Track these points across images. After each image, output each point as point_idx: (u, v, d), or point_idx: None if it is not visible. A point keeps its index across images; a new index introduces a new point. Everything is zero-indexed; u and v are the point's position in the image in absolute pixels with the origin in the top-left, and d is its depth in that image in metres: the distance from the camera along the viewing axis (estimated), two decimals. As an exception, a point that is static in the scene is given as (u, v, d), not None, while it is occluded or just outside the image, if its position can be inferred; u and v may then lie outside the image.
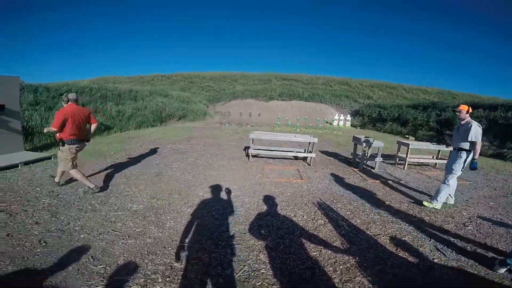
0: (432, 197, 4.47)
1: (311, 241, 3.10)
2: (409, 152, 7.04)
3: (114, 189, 4.45)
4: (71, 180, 4.65)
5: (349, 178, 5.92)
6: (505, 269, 2.67)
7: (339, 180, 5.72)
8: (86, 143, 4.42)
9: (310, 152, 7.00)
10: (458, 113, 4.31)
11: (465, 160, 4.14)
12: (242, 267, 2.57)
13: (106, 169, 5.55)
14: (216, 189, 4.72)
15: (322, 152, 8.90)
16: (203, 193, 4.48)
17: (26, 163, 5.50)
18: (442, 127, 14.50)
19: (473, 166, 4.08)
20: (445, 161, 5.56)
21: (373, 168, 6.82)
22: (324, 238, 3.19)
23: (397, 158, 7.55)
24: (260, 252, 2.84)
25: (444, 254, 3.00)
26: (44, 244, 2.77)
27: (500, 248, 3.19)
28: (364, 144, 6.58)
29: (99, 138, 9.44)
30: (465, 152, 4.11)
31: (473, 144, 4.02)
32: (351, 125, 20.59)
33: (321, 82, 29.34)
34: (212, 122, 17.55)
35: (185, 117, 17.20)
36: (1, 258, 2.48)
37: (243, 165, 6.47)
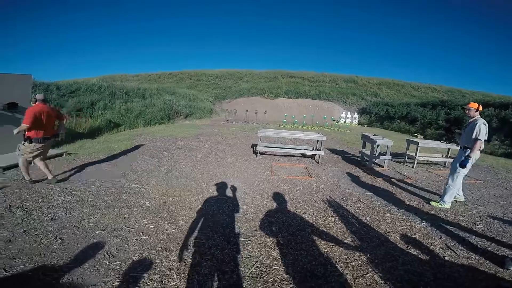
0: (440, 198, 4.44)
1: (322, 238, 3.12)
2: (418, 151, 6.99)
3: (126, 185, 4.52)
4: (77, 176, 4.73)
5: (358, 176, 5.91)
6: None
7: (348, 178, 5.72)
8: (57, 138, 4.63)
9: (319, 149, 6.99)
10: (467, 111, 4.23)
11: (472, 159, 4.07)
12: (254, 263, 2.60)
13: (116, 166, 5.63)
14: (225, 186, 4.76)
15: (330, 150, 8.89)
16: (213, 190, 4.53)
17: (39, 160, 5.60)
18: (451, 126, 14.33)
19: (463, 163, 3.96)
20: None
21: (382, 166, 6.80)
22: (335, 235, 3.21)
23: (406, 157, 7.50)
24: (272, 248, 2.87)
25: (455, 252, 3.00)
26: (60, 240, 2.81)
27: (513, 247, 3.17)
28: (373, 142, 6.55)
29: (109, 135, 9.57)
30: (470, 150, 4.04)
31: (474, 141, 3.93)
32: (358, 123, 20.48)
33: (328, 80, 29.17)
34: (219, 120, 17.63)
35: (192, 115, 17.31)
36: (19, 255, 2.51)
37: (251, 162, 6.51)
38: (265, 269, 2.52)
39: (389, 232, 3.38)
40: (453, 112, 15.22)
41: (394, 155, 8.08)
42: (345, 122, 19.97)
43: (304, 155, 7.62)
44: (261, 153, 7.16)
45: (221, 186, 4.72)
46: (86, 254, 2.60)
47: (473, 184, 5.77)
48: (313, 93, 24.73)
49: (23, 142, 4.16)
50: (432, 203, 4.42)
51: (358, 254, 2.83)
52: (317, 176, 5.66)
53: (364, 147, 7.33)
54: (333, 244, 3.01)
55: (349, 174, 6.02)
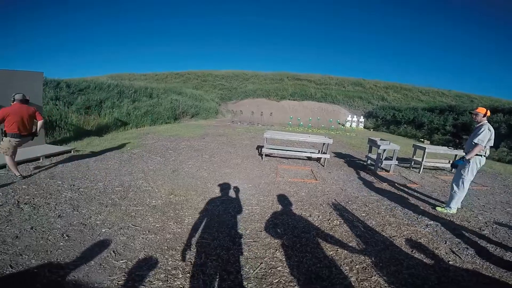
0: (446, 204, 4.41)
1: (327, 241, 3.13)
2: (425, 156, 6.94)
3: (133, 184, 4.58)
4: (84, 173, 4.80)
5: (364, 180, 5.89)
6: None
7: (353, 181, 5.71)
8: (35, 137, 4.68)
9: (325, 153, 6.98)
10: (474, 116, 4.17)
11: (476, 164, 4.02)
12: (259, 264, 2.62)
13: (123, 164, 5.70)
14: (231, 187, 4.79)
15: (335, 153, 8.88)
16: (218, 191, 4.55)
17: (47, 156, 5.71)
18: (459, 131, 14.17)
19: (456, 162, 3.91)
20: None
21: (388, 171, 6.76)
22: (340, 238, 3.21)
23: (413, 162, 7.44)
24: (277, 250, 2.88)
25: (459, 257, 2.99)
26: (66, 237, 2.83)
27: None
28: (380, 146, 6.53)
29: (116, 134, 9.69)
30: (475, 156, 3.99)
31: (475, 144, 3.88)
32: (364, 127, 20.35)
33: (334, 83, 29.02)
34: (224, 121, 17.68)
35: (198, 115, 17.40)
36: (26, 251, 2.53)
37: (256, 164, 6.53)
38: (270, 271, 2.53)
39: (394, 236, 3.37)
40: (461, 117, 15.04)
41: (401, 160, 8.03)
42: (351, 126, 19.86)
43: (309, 158, 7.62)
44: (266, 155, 7.17)
45: (227, 187, 4.75)
46: (92, 252, 2.62)
47: (479, 190, 5.71)
48: (319, 96, 24.64)
49: (1, 139, 4.30)
50: (438, 208, 4.39)
51: (363, 257, 2.83)
52: (322, 179, 5.65)
53: (370, 151, 7.30)
54: (338, 247, 3.01)
55: (354, 178, 6.01)
